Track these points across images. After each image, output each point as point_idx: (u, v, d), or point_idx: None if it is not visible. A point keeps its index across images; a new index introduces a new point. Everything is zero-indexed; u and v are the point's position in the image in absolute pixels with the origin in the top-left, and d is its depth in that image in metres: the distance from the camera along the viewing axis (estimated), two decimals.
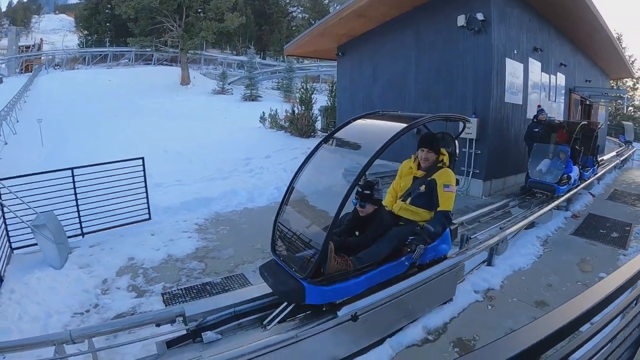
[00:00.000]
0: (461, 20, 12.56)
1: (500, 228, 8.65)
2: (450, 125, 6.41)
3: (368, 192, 5.48)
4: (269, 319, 4.85)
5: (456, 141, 6.45)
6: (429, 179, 5.89)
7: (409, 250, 5.46)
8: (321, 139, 6.17)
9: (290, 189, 5.73)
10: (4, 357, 4.97)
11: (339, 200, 4.68)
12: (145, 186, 10.29)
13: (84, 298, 6.77)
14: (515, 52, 13.38)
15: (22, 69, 53.80)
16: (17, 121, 27.21)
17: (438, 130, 6.42)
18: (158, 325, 4.86)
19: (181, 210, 11.15)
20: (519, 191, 12.27)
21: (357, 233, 5.72)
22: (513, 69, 13.29)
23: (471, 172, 13.03)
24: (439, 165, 5.99)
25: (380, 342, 5.38)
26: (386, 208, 6.13)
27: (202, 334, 4.64)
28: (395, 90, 16.14)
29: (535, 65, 14.94)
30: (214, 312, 4.96)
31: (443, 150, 6.11)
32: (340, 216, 5.25)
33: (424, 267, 5.82)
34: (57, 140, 20.99)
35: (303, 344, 4.70)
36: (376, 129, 6.02)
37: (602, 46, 20.14)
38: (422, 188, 5.90)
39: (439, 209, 5.76)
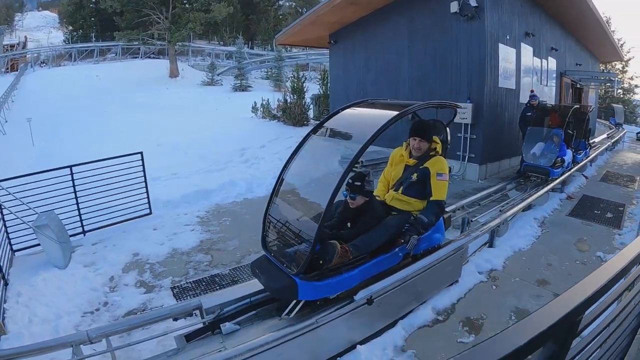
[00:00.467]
0: (454, 6, 12.57)
1: (500, 210, 8.86)
2: (442, 113, 6.33)
3: (358, 183, 5.39)
4: (288, 308, 4.90)
5: (448, 128, 6.44)
6: (421, 167, 5.80)
7: (402, 241, 5.43)
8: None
9: (279, 181, 5.60)
10: None
11: (329, 192, 4.59)
12: (145, 181, 10.24)
13: (92, 297, 6.75)
14: (508, 37, 13.46)
15: (7, 69, 52.99)
16: (6, 121, 26.63)
17: (430, 117, 6.34)
18: (175, 319, 4.89)
19: (181, 203, 11.11)
20: (515, 175, 12.38)
21: (349, 225, 5.59)
22: (506, 54, 13.39)
23: (467, 157, 13.18)
24: (431, 153, 5.89)
25: (392, 324, 5.55)
26: (378, 198, 6.08)
27: (221, 325, 4.71)
28: (389, 77, 16.16)
29: (527, 50, 15.04)
30: (230, 303, 5.03)
31: (435, 138, 6.00)
32: (336, 203, 5.50)
33: (418, 258, 5.79)
34: (48, 139, 20.75)
35: (321, 329, 4.77)
36: (366, 118, 5.96)
37: (591, 30, 20.23)
38: (414, 177, 5.81)
39: (432, 198, 5.68)
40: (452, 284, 6.45)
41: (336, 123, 5.86)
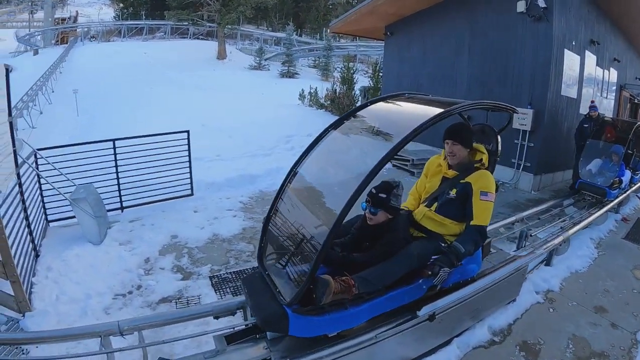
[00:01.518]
0: (521, 5, 11.97)
1: (561, 228, 8.35)
2: (495, 118, 5.39)
3: (383, 196, 4.49)
4: None
5: (499, 137, 5.36)
6: (461, 181, 4.82)
7: (429, 273, 4.37)
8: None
9: (285, 184, 4.84)
10: (37, 347, 4.73)
11: (342, 203, 3.72)
12: (189, 160, 9.98)
13: (125, 278, 6.51)
14: (574, 43, 12.76)
15: (57, 41, 53.79)
16: (53, 91, 27.29)
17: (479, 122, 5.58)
18: (217, 317, 4.56)
19: (224, 186, 10.84)
20: (568, 191, 11.69)
21: (367, 244, 4.65)
22: (570, 60, 12.71)
23: (522, 165, 12.53)
24: (476, 165, 4.91)
25: (447, 342, 5.12)
26: (405, 209, 5.19)
27: None
28: (445, 74, 15.51)
29: (591, 58, 14.28)
30: None
31: (481, 148, 5.09)
32: (348, 221, 4.69)
33: (446, 292, 4.79)
34: (93, 112, 20.82)
35: (378, 345, 4.33)
36: (402, 115, 5.06)
37: None
38: (453, 193, 4.81)
39: (472, 222, 4.66)
40: (509, 303, 6.00)
41: (364, 118, 5.06)
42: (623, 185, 10.73)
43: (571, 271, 7.26)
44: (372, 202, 4.50)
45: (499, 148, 5.33)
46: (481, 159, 4.99)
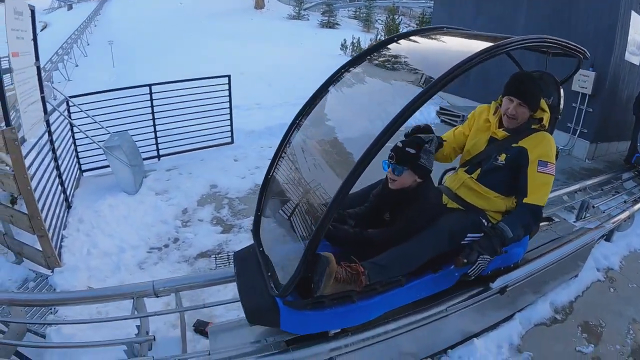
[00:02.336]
0: None
1: (625, 202, 7.80)
2: (555, 65, 4.17)
3: (412, 151, 3.48)
4: None
5: (561, 89, 4.19)
6: (514, 145, 3.71)
7: (464, 261, 3.42)
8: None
9: (286, 139, 4.00)
10: (56, 311, 4.42)
11: (353, 162, 2.78)
12: (230, 107, 9.54)
13: (161, 230, 6.21)
14: None
15: None
16: (88, 44, 27.12)
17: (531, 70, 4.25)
18: None
19: (265, 135, 10.33)
20: (623, 164, 10.81)
21: (386, 216, 3.72)
22: (636, 24, 11.71)
23: (578, 131, 11.64)
24: (533, 126, 3.78)
25: (510, 317, 4.61)
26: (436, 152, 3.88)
27: None
28: (500, 28, 14.42)
29: None
30: None
31: (543, 104, 3.86)
32: (369, 186, 3.96)
33: (483, 280, 3.88)
34: (129, 62, 20.33)
35: (447, 318, 3.75)
36: (436, 51, 3.97)
37: None
38: (501, 159, 3.73)
39: (526, 200, 3.61)
40: (571, 278, 5.44)
41: (391, 55, 3.96)
42: None
43: (630, 250, 6.64)
44: (396, 158, 3.48)
45: (562, 103, 4.19)
46: (541, 119, 3.81)
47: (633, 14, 11.15)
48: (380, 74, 3.93)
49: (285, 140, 3.99)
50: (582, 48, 3.86)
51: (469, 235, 3.61)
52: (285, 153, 3.95)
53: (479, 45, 3.06)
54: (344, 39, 24.66)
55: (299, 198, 3.46)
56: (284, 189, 3.77)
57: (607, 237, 6.50)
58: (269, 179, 4.00)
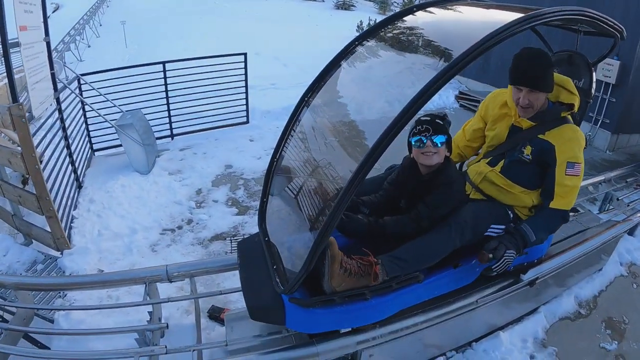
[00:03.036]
0: None
1: None
2: (588, 44, 3.81)
3: (440, 122, 3.24)
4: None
5: (593, 71, 3.82)
6: (540, 136, 3.32)
7: (490, 256, 3.16)
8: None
9: (295, 117, 3.68)
10: (65, 295, 4.28)
11: (367, 145, 2.57)
12: (246, 86, 9.33)
13: (175, 211, 6.08)
14: None
15: None
16: (100, 25, 26.98)
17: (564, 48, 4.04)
18: None
19: (282, 115, 9.93)
20: None
21: (402, 203, 3.43)
22: None
23: (600, 121, 11.39)
24: (563, 114, 3.36)
25: (534, 310, 4.50)
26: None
27: None
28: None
29: None
30: None
31: (569, 84, 3.46)
32: (388, 170, 3.76)
33: (502, 276, 3.61)
34: (142, 42, 20.21)
35: (476, 311, 3.55)
36: (460, 24, 3.52)
37: None
38: (527, 152, 3.36)
39: (552, 205, 3.31)
40: (596, 272, 5.30)
41: (409, 28, 3.58)
42: None
43: None
44: (432, 129, 3.18)
45: (593, 87, 3.82)
46: (571, 104, 3.39)
47: None
48: (396, 49, 3.60)
49: (293, 120, 3.69)
50: (621, 26, 3.43)
51: (492, 226, 3.35)
52: (294, 133, 3.67)
53: (509, 16, 2.67)
54: (360, 21, 24.47)
55: (309, 183, 3.23)
56: (293, 173, 3.55)
57: (630, 231, 6.29)
58: (275, 161, 3.67)
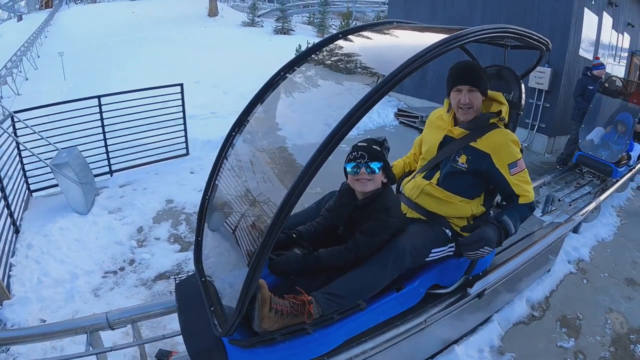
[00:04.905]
0: None
1: (589, 193, 8.14)
2: (515, 58, 3.99)
3: (378, 148, 3.34)
4: None
5: (522, 84, 4.00)
6: (473, 144, 3.47)
7: (465, 254, 3.39)
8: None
9: (222, 154, 3.70)
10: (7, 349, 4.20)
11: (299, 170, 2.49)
12: (184, 117, 9.36)
13: (116, 252, 6.02)
14: (593, 2, 12.26)
15: (41, 5, 52.85)
16: (38, 56, 26.50)
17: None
18: None
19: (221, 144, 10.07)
20: (560, 164, 10.18)
21: (341, 230, 3.46)
22: (590, 20, 12.32)
23: (536, 126, 12.18)
24: (492, 121, 3.54)
25: (487, 319, 4.69)
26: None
27: None
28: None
29: (607, 20, 13.78)
30: None
31: (499, 96, 3.70)
32: (323, 198, 3.82)
33: (448, 294, 3.84)
34: (81, 74, 19.96)
35: (428, 329, 3.69)
36: (387, 47, 3.64)
37: None
38: (462, 161, 3.48)
39: (521, 201, 3.48)
40: (544, 273, 5.68)
41: (338, 53, 3.61)
42: (631, 162, 9.25)
43: (598, 240, 7.00)
44: (368, 155, 3.24)
45: (523, 98, 3.98)
46: (499, 111, 3.57)
47: (586, 10, 11.83)
48: (324, 74, 3.70)
49: (220, 157, 3.71)
50: (545, 39, 3.65)
51: (433, 251, 3.45)
52: (223, 170, 3.69)
53: (433, 38, 2.75)
54: (299, 45, 24.58)
55: (243, 219, 3.21)
56: (227, 208, 3.57)
57: (575, 229, 6.74)
58: (207, 199, 3.71)
